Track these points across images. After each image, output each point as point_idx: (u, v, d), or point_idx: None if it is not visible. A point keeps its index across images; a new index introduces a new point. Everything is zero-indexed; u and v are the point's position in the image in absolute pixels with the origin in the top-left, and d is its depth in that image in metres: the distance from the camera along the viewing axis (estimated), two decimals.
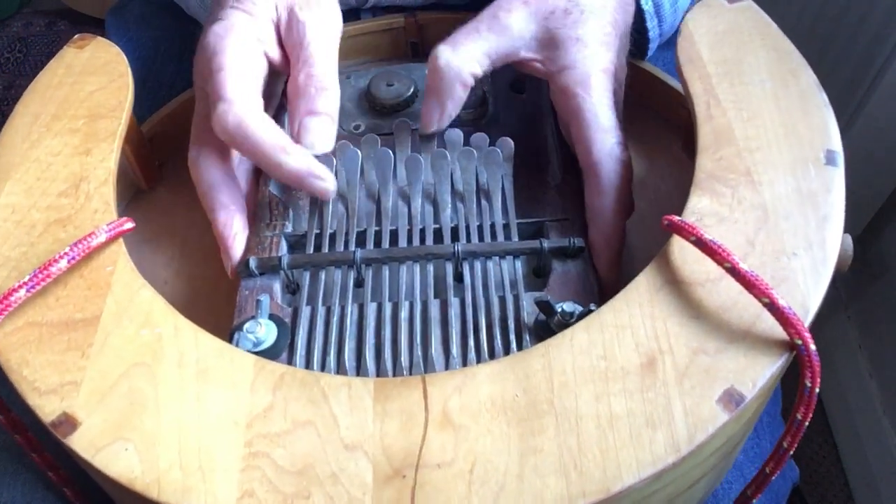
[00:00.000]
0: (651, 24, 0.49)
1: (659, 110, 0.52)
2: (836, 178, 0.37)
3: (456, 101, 0.45)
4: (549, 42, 0.43)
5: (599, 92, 0.42)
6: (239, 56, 0.42)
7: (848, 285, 0.99)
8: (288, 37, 0.44)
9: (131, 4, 0.73)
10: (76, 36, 0.49)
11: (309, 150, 0.42)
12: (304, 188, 0.42)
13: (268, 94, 0.46)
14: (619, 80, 0.44)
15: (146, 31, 0.70)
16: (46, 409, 0.33)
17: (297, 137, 0.42)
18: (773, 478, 0.47)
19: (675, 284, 0.35)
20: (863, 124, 0.81)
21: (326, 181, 0.41)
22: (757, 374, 0.32)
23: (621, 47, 0.45)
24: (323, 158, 0.44)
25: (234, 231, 0.42)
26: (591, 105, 0.42)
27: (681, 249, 0.35)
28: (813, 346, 0.32)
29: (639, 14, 0.48)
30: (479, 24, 0.44)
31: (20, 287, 0.35)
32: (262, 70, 0.44)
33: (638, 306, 0.34)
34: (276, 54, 0.45)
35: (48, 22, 1.82)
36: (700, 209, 0.37)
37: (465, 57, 0.44)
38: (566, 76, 0.43)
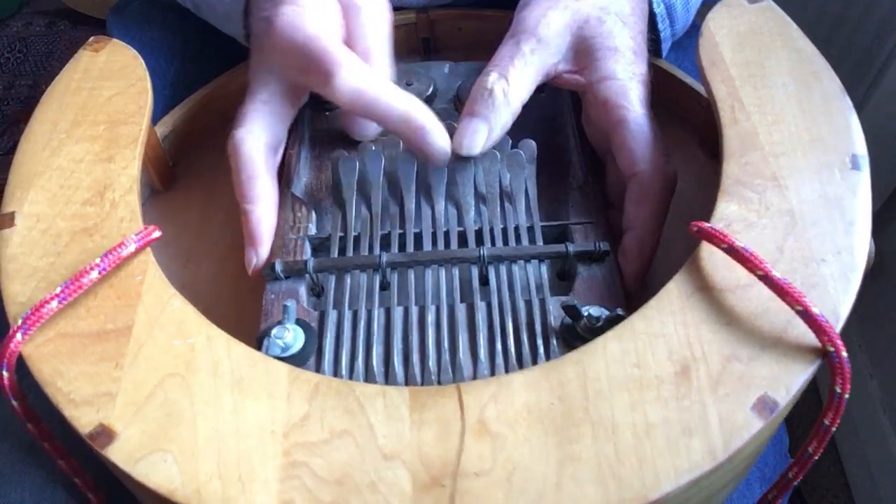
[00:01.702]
0: (662, 25, 0.49)
1: (676, 109, 0.52)
2: (862, 183, 0.38)
3: (505, 128, 0.44)
4: (585, 52, 0.43)
5: (640, 103, 0.42)
6: (327, 28, 0.42)
7: None
8: (346, 22, 0.44)
9: (133, 4, 0.72)
10: (91, 39, 0.48)
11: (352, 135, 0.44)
12: (422, 143, 0.43)
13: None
14: (650, 90, 0.44)
15: (148, 30, 0.69)
16: (83, 420, 0.33)
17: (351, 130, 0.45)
18: (773, 477, 0.48)
19: (706, 291, 0.35)
20: (863, 124, 0.81)
21: (446, 142, 0.43)
22: (790, 381, 0.32)
23: (648, 55, 0.45)
24: (346, 160, 0.44)
25: (267, 228, 0.42)
26: (636, 116, 0.42)
27: (710, 256, 0.36)
28: (845, 353, 0.32)
29: (649, 16, 0.48)
30: (521, 44, 0.44)
31: (52, 298, 0.35)
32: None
33: (670, 314, 0.34)
34: (343, 34, 0.45)
35: (48, 22, 1.81)
36: (728, 215, 0.37)
37: (519, 89, 0.43)
38: (606, 87, 0.43)
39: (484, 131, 0.44)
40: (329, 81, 0.40)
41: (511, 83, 0.43)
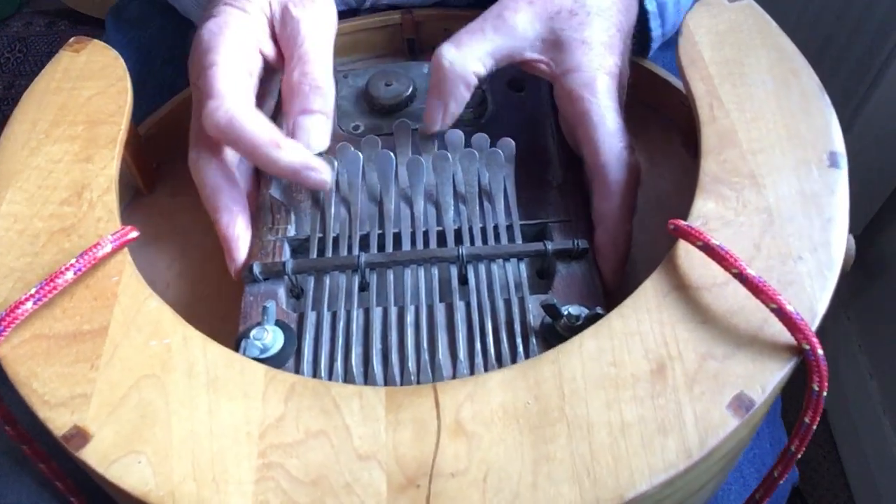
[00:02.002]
0: (654, 23, 0.49)
1: (658, 107, 0.52)
2: (840, 180, 0.38)
3: (459, 100, 0.45)
4: (555, 43, 0.43)
5: (606, 95, 0.42)
6: (232, 52, 0.42)
7: (848, 285, 0.99)
8: (282, 34, 0.44)
9: (131, 5, 0.72)
10: (72, 39, 0.48)
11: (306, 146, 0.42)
12: (301, 182, 0.42)
13: (263, 92, 0.46)
14: (622, 83, 0.44)
15: (146, 31, 0.69)
16: (58, 422, 0.33)
17: (292, 136, 0.42)
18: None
19: (683, 290, 0.35)
20: (863, 124, 0.82)
21: (322, 172, 0.41)
22: (766, 379, 0.32)
23: (625, 49, 0.45)
24: (323, 159, 0.44)
25: (238, 233, 0.42)
26: (599, 108, 0.42)
27: (687, 254, 0.36)
28: (821, 351, 0.32)
29: (642, 14, 0.48)
30: (483, 24, 0.44)
31: (27, 299, 0.35)
32: (256, 66, 0.44)
33: (646, 312, 0.34)
34: (270, 50, 0.45)
35: (48, 22, 1.81)
36: (706, 213, 0.37)
37: (469, 56, 0.44)
38: (572, 79, 0.43)
39: (439, 107, 0.45)
40: (201, 109, 0.41)
41: (461, 53, 0.43)
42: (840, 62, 0.87)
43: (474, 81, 0.44)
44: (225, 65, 0.41)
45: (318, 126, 0.43)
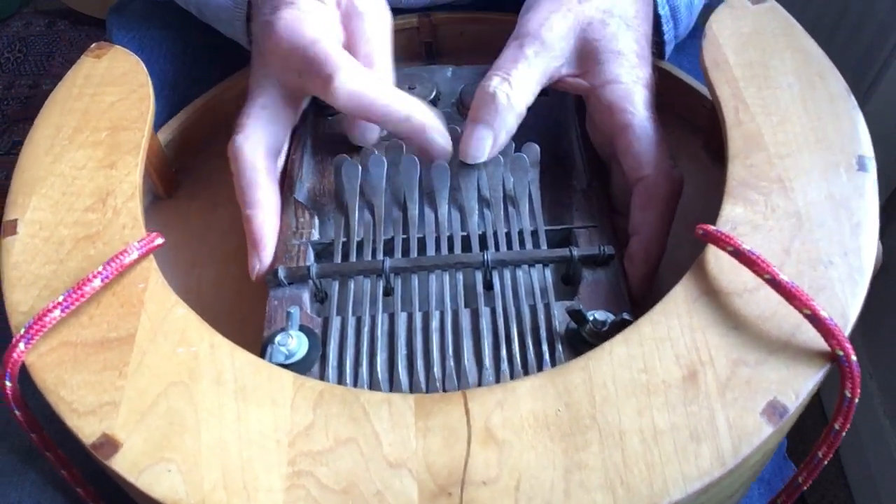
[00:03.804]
0: (667, 27, 0.49)
1: (679, 111, 0.52)
2: (869, 184, 0.37)
3: (510, 132, 0.44)
4: (589, 55, 0.43)
5: (645, 106, 0.42)
6: (327, 31, 0.42)
7: None
8: (347, 27, 0.44)
9: (133, 4, 0.72)
10: (93, 45, 0.48)
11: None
12: (425, 142, 0.43)
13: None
14: (654, 93, 0.44)
15: (148, 30, 0.69)
16: (86, 430, 0.33)
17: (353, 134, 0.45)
18: (771, 479, 0.48)
19: (713, 295, 0.35)
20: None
21: (448, 140, 0.43)
22: (799, 385, 0.32)
23: (651, 57, 0.45)
24: (349, 165, 0.44)
25: (269, 233, 0.42)
26: (640, 120, 0.42)
27: (716, 259, 0.35)
28: (854, 357, 0.32)
29: (654, 18, 0.48)
30: (524, 48, 0.43)
31: (55, 307, 0.35)
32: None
33: (676, 318, 0.34)
34: (344, 39, 0.45)
35: (48, 22, 1.81)
36: (734, 217, 0.37)
37: (522, 92, 0.43)
38: (610, 91, 0.42)
39: (489, 138, 0.43)
40: (328, 84, 0.40)
41: (514, 87, 0.43)
42: (840, 62, 0.86)
43: (524, 113, 0.44)
44: (328, 41, 0.42)
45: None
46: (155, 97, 0.60)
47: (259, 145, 0.43)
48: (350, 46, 0.44)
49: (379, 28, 0.44)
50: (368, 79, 0.41)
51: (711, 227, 0.35)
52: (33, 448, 0.42)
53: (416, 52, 0.60)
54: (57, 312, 0.35)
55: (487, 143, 0.43)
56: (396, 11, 0.59)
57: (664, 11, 0.48)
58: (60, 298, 0.35)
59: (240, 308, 0.43)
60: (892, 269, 0.88)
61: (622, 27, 0.43)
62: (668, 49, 0.51)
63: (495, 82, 0.43)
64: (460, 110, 0.50)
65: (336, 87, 0.40)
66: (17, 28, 1.81)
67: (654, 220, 0.41)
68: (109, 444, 0.32)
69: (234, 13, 0.51)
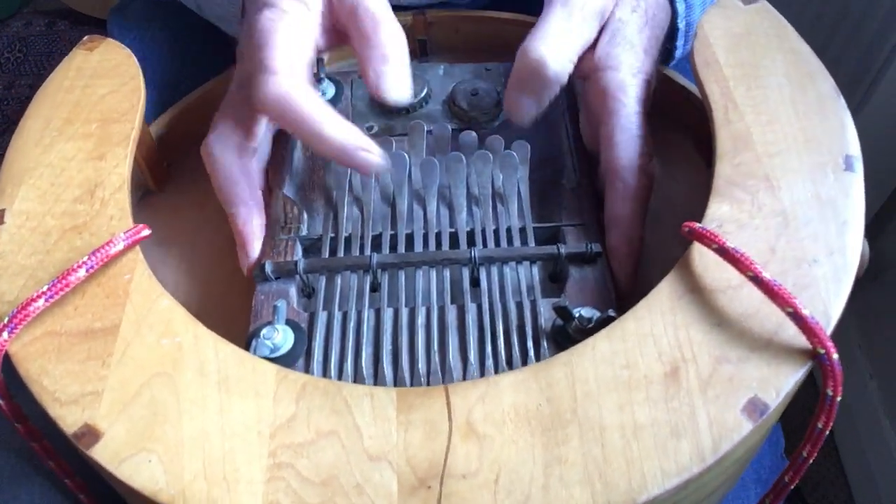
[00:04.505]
0: (680, 42, 0.49)
1: (670, 111, 0.52)
2: (855, 184, 0.37)
3: (551, 99, 0.44)
4: (606, 30, 0.43)
5: (637, 100, 0.42)
6: (290, 36, 0.41)
7: None
8: (341, 7, 0.43)
9: (134, 4, 0.72)
10: (86, 38, 0.48)
11: (387, 96, 0.41)
12: (351, 163, 0.40)
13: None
14: (650, 91, 0.44)
15: (148, 30, 0.69)
16: (68, 419, 0.33)
17: (377, 89, 0.41)
18: (769, 479, 0.48)
19: (697, 292, 0.35)
20: (863, 124, 0.81)
21: (374, 154, 0.40)
22: (780, 383, 0.32)
23: (657, 58, 0.45)
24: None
25: (254, 229, 0.42)
26: (628, 111, 0.42)
27: (702, 257, 0.35)
28: (836, 356, 0.32)
29: (671, 30, 0.48)
30: (571, 16, 0.43)
31: (39, 297, 0.35)
32: (310, 56, 0.43)
33: (660, 314, 0.34)
34: (324, 42, 0.44)
35: (48, 22, 1.82)
36: (720, 216, 0.37)
37: (566, 58, 0.43)
38: (608, 77, 0.42)
39: (534, 106, 0.44)
40: (255, 86, 0.40)
41: (560, 57, 0.42)
42: (840, 62, 0.87)
43: (566, 80, 0.44)
44: (283, 46, 0.41)
45: (402, 74, 0.42)
46: (155, 97, 0.60)
47: (230, 143, 0.43)
48: (349, 21, 0.43)
49: (379, 6, 0.43)
50: (297, 90, 0.39)
51: (697, 225, 0.35)
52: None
53: (411, 49, 0.59)
54: (41, 302, 0.35)
55: (532, 111, 0.44)
56: (395, 10, 0.59)
57: (682, 25, 0.48)
58: (45, 288, 0.35)
59: (228, 304, 0.43)
60: (891, 269, 0.88)
61: (643, 20, 0.43)
62: (674, 62, 0.51)
63: (544, 51, 0.42)
64: (451, 108, 0.50)
65: (256, 86, 0.39)
66: (17, 28, 1.81)
67: (630, 213, 0.41)
68: (91, 433, 0.32)
69: (229, 10, 0.51)
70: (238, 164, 0.43)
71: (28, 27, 1.81)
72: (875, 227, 0.89)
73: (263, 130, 0.45)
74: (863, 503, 0.97)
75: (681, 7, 0.47)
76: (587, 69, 0.44)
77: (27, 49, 1.76)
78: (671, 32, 0.48)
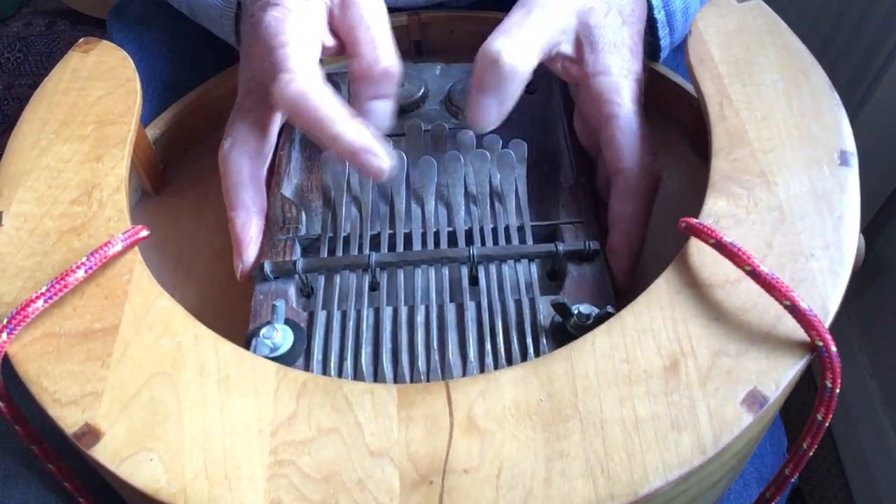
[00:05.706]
0: (662, 32, 0.49)
1: (666, 109, 0.52)
2: (851, 178, 0.38)
3: (514, 98, 0.43)
4: (585, 41, 0.43)
5: (632, 100, 0.42)
6: (302, 35, 0.42)
7: (848, 285, 0.99)
8: (343, 20, 0.43)
9: (133, 4, 0.72)
10: (81, 40, 0.48)
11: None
12: (359, 165, 0.40)
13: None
14: (643, 88, 0.44)
15: (148, 31, 0.69)
16: (68, 420, 0.33)
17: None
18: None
19: (695, 287, 0.35)
20: (863, 124, 0.82)
21: (382, 159, 0.40)
22: (779, 375, 0.32)
23: (643, 54, 0.45)
24: (336, 160, 0.44)
25: (251, 234, 0.42)
26: (627, 113, 0.42)
27: (699, 252, 0.36)
28: (834, 348, 0.32)
29: (650, 22, 0.48)
30: (528, 15, 0.42)
31: (38, 298, 0.35)
32: (319, 54, 0.43)
33: (658, 309, 0.34)
34: (330, 41, 0.44)
35: (48, 22, 1.81)
36: (717, 211, 0.37)
37: (527, 53, 0.41)
38: (601, 82, 0.42)
39: (494, 106, 0.42)
40: (274, 83, 0.40)
41: (519, 49, 0.41)
42: (840, 62, 0.87)
43: (529, 78, 0.42)
44: (296, 45, 0.41)
45: (388, 109, 0.43)
46: (155, 98, 0.60)
47: (245, 149, 0.43)
48: (347, 35, 0.43)
49: (377, 13, 0.44)
50: (314, 89, 0.40)
51: (694, 220, 0.36)
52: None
53: (405, 50, 0.60)
54: (40, 303, 0.35)
55: (493, 111, 0.42)
56: (392, 10, 0.60)
57: (660, 16, 0.48)
58: (44, 289, 0.35)
59: (227, 305, 0.43)
60: (892, 269, 0.88)
61: (619, 20, 0.43)
62: (664, 54, 0.51)
63: (499, 44, 0.41)
64: (448, 108, 0.50)
65: (275, 86, 0.39)
66: (17, 28, 1.81)
67: (633, 211, 0.41)
68: (91, 433, 0.32)
69: (224, 12, 0.51)
70: (250, 170, 0.43)
71: (28, 27, 1.81)
72: (875, 227, 0.89)
73: (276, 133, 0.45)
74: (863, 503, 0.97)
75: None
76: (577, 76, 0.44)
77: (27, 49, 1.75)
78: (651, 25, 0.48)
